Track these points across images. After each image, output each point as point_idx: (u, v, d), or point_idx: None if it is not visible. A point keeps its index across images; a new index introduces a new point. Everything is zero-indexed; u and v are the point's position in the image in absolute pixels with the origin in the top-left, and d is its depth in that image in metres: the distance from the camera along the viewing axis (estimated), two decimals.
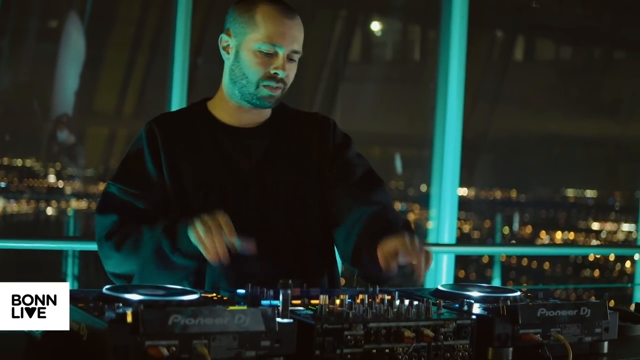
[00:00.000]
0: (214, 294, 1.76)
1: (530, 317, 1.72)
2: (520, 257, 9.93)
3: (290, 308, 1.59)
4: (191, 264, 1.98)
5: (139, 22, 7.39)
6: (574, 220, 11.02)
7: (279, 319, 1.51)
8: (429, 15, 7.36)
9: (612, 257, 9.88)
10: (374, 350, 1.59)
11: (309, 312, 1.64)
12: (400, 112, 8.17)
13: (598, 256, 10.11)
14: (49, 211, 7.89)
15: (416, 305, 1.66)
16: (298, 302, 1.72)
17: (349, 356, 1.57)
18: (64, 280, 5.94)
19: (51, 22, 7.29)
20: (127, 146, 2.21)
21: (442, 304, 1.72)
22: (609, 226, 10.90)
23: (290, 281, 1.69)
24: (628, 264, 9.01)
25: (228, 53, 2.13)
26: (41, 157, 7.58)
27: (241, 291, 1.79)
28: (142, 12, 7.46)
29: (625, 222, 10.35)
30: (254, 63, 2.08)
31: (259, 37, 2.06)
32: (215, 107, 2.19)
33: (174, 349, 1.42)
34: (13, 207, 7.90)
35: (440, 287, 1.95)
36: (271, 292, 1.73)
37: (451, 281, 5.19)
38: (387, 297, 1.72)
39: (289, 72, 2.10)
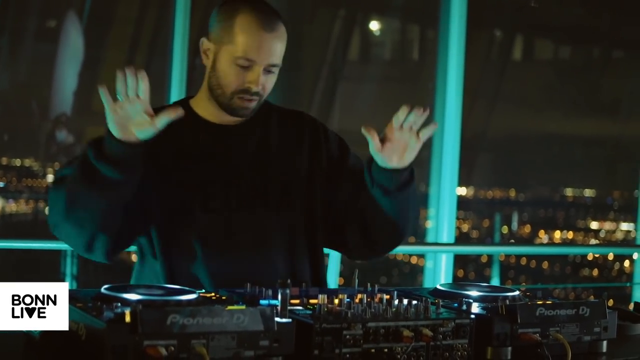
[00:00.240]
0: (213, 294, 1.76)
1: (529, 316, 1.72)
2: (519, 257, 9.95)
3: (289, 308, 1.59)
4: (119, 177, 1.89)
5: (138, 22, 7.38)
6: (573, 219, 11.03)
7: (277, 319, 1.51)
8: (427, 14, 7.36)
9: (610, 257, 9.88)
10: (373, 350, 1.59)
11: (308, 311, 1.64)
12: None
13: (597, 255, 10.11)
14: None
15: (415, 304, 1.66)
16: (297, 301, 1.71)
17: (347, 356, 1.57)
18: (63, 280, 5.94)
19: (50, 21, 7.29)
20: None
21: (440, 303, 1.72)
22: (608, 225, 10.91)
23: (289, 281, 1.69)
24: (627, 263, 9.00)
25: (208, 58, 2.11)
26: (40, 157, 7.57)
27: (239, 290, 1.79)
28: (141, 12, 7.45)
29: (624, 221, 10.36)
30: (229, 74, 2.05)
31: (235, 49, 2.03)
32: (198, 105, 2.17)
33: (173, 348, 1.42)
34: (12, 207, 7.89)
35: (439, 287, 1.95)
36: (270, 292, 1.73)
37: (450, 280, 5.19)
38: (385, 297, 1.72)
39: (266, 84, 2.08)
